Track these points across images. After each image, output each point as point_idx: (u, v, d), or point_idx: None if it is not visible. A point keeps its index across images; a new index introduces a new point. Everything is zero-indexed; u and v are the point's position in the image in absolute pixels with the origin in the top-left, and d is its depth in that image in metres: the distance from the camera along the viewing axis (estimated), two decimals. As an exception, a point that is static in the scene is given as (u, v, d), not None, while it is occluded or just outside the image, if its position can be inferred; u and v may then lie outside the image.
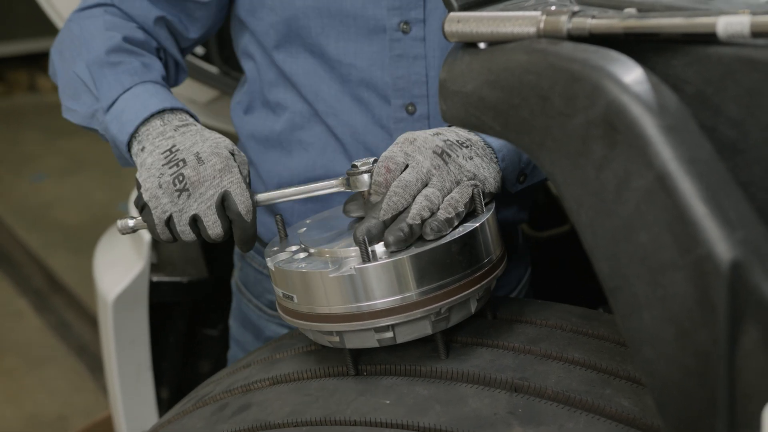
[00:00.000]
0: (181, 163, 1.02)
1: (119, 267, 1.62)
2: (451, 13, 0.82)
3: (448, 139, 1.00)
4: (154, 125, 1.09)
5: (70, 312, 3.64)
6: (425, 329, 0.92)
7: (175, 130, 1.08)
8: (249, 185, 1.05)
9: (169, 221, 1.03)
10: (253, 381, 1.00)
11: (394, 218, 0.94)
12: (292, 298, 0.94)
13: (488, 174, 1.01)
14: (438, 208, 0.94)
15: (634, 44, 0.70)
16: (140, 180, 1.04)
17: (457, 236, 0.92)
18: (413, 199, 0.95)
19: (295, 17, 1.19)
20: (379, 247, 0.92)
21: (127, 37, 1.19)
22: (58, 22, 2.28)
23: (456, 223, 0.94)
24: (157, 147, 1.06)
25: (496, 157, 1.04)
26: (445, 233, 0.92)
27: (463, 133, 1.02)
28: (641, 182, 0.63)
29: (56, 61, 1.23)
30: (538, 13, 0.75)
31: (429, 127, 1.19)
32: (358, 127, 1.21)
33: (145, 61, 1.19)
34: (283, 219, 1.03)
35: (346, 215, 1.01)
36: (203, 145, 1.04)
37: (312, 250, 0.95)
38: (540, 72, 0.71)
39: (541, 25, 0.74)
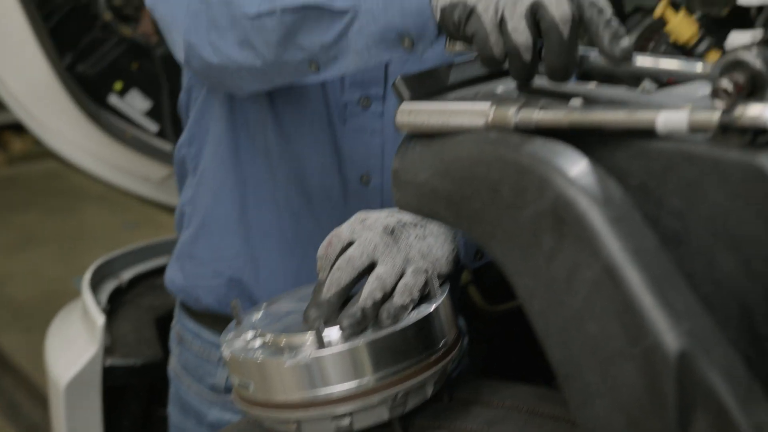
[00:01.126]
0: None
1: (71, 350, 1.60)
2: (403, 104, 0.84)
3: (401, 220, 1.01)
4: None
5: (20, 393, 3.55)
6: (382, 415, 0.92)
7: None
8: None
9: (501, 22, 0.83)
10: (209, 470, 0.99)
11: (342, 295, 0.94)
12: (248, 387, 0.93)
13: (441, 254, 1.01)
14: (391, 289, 0.94)
15: (579, 136, 0.73)
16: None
17: (412, 321, 0.92)
18: (358, 275, 0.95)
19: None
20: (335, 333, 0.93)
21: None
22: (8, 98, 2.28)
23: (435, 294, 0.95)
24: None
25: (453, 236, 1.05)
26: (400, 319, 0.92)
27: (415, 217, 1.03)
28: (590, 273, 0.64)
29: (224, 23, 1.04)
30: (487, 106, 0.77)
31: (382, 199, 1.21)
32: (314, 195, 1.23)
33: None
34: (238, 304, 1.03)
35: (306, 323, 0.96)
36: None
37: (267, 337, 0.95)
38: (490, 164, 0.73)
39: (490, 118, 0.77)
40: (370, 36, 0.92)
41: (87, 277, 1.73)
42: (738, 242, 0.63)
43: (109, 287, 1.81)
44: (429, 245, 1.00)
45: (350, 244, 0.97)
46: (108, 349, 1.60)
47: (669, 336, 0.60)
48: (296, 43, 0.98)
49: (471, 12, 0.83)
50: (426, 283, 0.97)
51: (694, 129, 0.65)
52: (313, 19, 0.95)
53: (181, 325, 1.39)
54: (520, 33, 0.82)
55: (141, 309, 1.79)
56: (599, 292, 0.64)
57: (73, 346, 1.62)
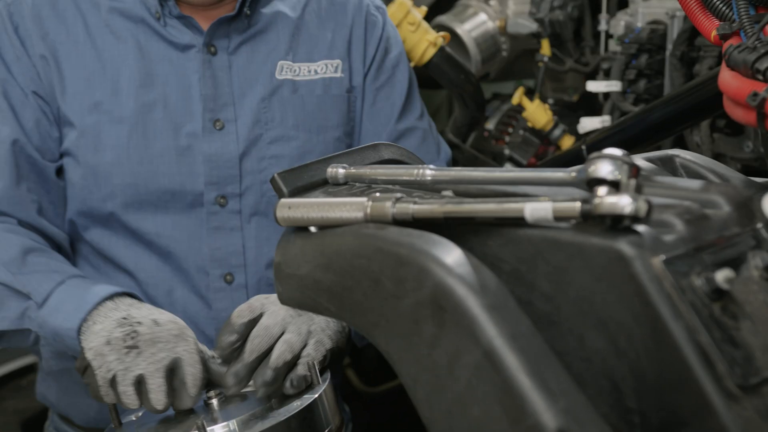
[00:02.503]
0: (135, 324, 0.99)
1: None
2: (282, 199, 0.86)
3: None
4: (105, 306, 1.05)
5: None
6: None
7: (129, 306, 1.05)
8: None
9: (113, 381, 0.98)
10: None
11: (260, 360, 1.00)
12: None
13: (338, 328, 1.07)
14: (298, 353, 1.00)
15: (453, 227, 0.76)
16: (84, 343, 1.00)
17: (296, 411, 0.93)
18: (275, 342, 1.00)
19: (111, 195, 1.21)
20: (220, 429, 0.92)
21: (31, 237, 1.16)
22: None
23: (317, 382, 0.99)
24: (109, 317, 1.02)
25: None
26: (302, 388, 0.98)
27: None
28: (470, 358, 0.67)
29: None
30: (364, 199, 0.80)
31: (247, 296, 1.22)
32: (178, 297, 1.22)
33: (58, 258, 1.16)
34: (116, 407, 1.01)
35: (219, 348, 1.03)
36: (160, 315, 1.02)
37: (150, 437, 0.94)
38: (369, 256, 0.76)
39: (368, 210, 0.79)
40: (49, 351, 1.18)
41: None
42: (604, 322, 0.67)
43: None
44: (327, 321, 1.05)
45: (260, 315, 1.03)
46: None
47: (547, 415, 0.63)
48: (9, 344, 1.18)
49: (87, 366, 1.00)
50: (312, 367, 0.99)
51: (559, 217, 0.70)
52: (12, 335, 1.15)
53: (54, 427, 1.34)
54: (129, 396, 0.98)
55: (6, 413, 1.71)
56: (480, 377, 0.66)
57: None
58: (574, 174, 0.73)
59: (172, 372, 0.99)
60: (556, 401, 0.64)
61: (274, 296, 1.06)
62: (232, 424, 0.93)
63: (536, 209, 0.71)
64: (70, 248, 1.27)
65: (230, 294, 1.24)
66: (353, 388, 1.91)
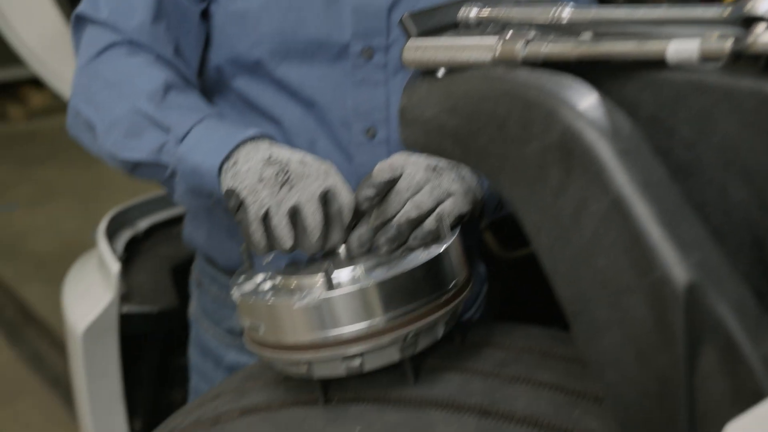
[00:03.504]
0: (284, 162, 0.99)
1: (88, 298, 1.60)
2: (410, 41, 0.83)
3: (439, 162, 1.04)
4: (246, 146, 1.04)
5: (43, 343, 3.60)
6: (393, 356, 0.92)
7: (270, 146, 1.04)
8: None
9: (265, 217, 0.98)
10: (222, 412, 1.00)
11: (383, 225, 0.99)
12: (258, 329, 0.93)
13: (475, 196, 1.05)
14: (427, 214, 0.99)
15: (588, 69, 0.71)
16: (236, 183, 1.00)
17: (422, 261, 0.92)
18: (403, 207, 0.99)
19: (258, 42, 1.20)
20: (345, 275, 0.92)
21: (172, 72, 1.16)
22: (24, 51, 2.27)
23: (446, 235, 0.97)
24: (252, 158, 1.02)
25: (481, 186, 1.07)
26: (428, 241, 0.97)
27: (451, 162, 1.05)
28: (598, 207, 0.63)
29: (85, 108, 1.17)
30: (494, 40, 0.76)
31: (389, 152, 1.21)
32: (321, 149, 1.22)
33: (197, 96, 1.16)
34: (250, 251, 1.03)
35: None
36: (303, 155, 1.02)
37: (277, 279, 0.95)
38: (496, 99, 0.72)
39: (497, 52, 0.75)
40: (184, 187, 1.11)
41: (102, 226, 1.74)
42: (750, 172, 0.62)
43: (125, 236, 1.81)
44: (467, 186, 1.02)
45: (400, 175, 1.01)
46: (124, 297, 1.61)
47: (677, 268, 0.59)
48: (142, 175, 1.17)
49: (240, 204, 0.99)
50: (441, 222, 0.97)
51: (706, 58, 0.63)
52: (147, 167, 1.13)
53: (199, 269, 1.40)
54: (282, 228, 0.96)
55: (157, 258, 1.80)
56: (607, 226, 0.63)
57: (90, 295, 1.63)
58: (727, 12, 0.66)
59: (325, 203, 0.98)
60: (689, 254, 0.59)
61: (416, 156, 1.04)
62: (359, 270, 0.93)
63: (680, 49, 0.64)
64: (210, 95, 1.28)
65: (371, 149, 1.22)
66: (490, 251, 1.90)
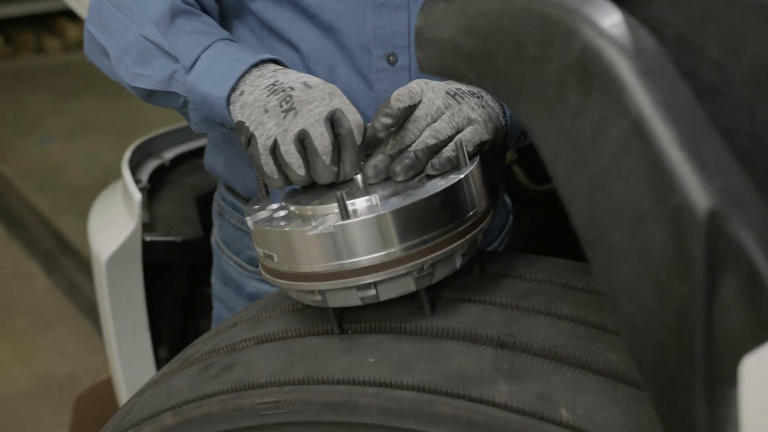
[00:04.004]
0: (288, 89, 0.98)
1: (111, 228, 1.60)
2: (428, -42, 0.79)
3: (459, 88, 1.01)
4: (252, 74, 1.04)
5: (79, 273, 3.65)
6: (409, 286, 0.90)
7: (275, 72, 1.03)
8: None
9: (274, 148, 0.97)
10: (238, 340, 0.99)
11: (400, 153, 0.96)
12: (272, 258, 0.92)
13: (497, 124, 1.01)
14: (446, 142, 0.95)
15: (613, -15, 0.67)
16: (242, 117, 0.99)
17: (439, 189, 0.89)
18: (421, 134, 0.96)
19: None
20: (361, 203, 0.90)
21: None
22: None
23: (464, 163, 0.94)
24: (258, 86, 1.01)
25: (504, 113, 1.03)
26: (446, 170, 0.93)
27: (472, 88, 1.01)
28: (616, 130, 0.60)
29: (98, 34, 1.15)
30: (514, -45, 0.72)
31: (410, 78, 1.17)
32: (340, 75, 1.19)
33: (207, 20, 1.14)
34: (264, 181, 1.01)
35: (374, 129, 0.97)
36: (309, 78, 1.00)
37: (292, 208, 0.93)
38: (514, 16, 0.68)
39: (518, -32, 0.71)
40: (198, 116, 1.11)
41: (126, 156, 1.73)
42: (781, 93, 0.58)
43: (151, 166, 1.80)
44: (489, 113, 0.99)
45: (419, 102, 0.98)
46: (148, 226, 1.61)
47: (699, 193, 0.55)
48: (158, 102, 1.16)
49: (250, 138, 0.98)
50: (461, 149, 0.94)
51: (738, -30, 0.59)
52: (160, 95, 1.13)
53: (221, 198, 1.39)
54: (291, 155, 0.95)
55: (183, 188, 1.79)
56: (626, 150, 0.59)
57: (114, 224, 1.63)
58: None
59: (333, 125, 0.96)
60: (711, 179, 0.56)
61: (435, 82, 1.00)
62: (374, 198, 0.90)
63: (711, -40, 0.60)
64: (229, 19, 1.24)
65: (392, 75, 1.19)
66: (519, 184, 1.86)
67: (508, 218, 1.42)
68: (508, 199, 1.43)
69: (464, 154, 0.94)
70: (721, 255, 0.55)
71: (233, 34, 1.25)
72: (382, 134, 0.96)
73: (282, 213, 0.94)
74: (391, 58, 1.17)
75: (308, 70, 1.19)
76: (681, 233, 0.56)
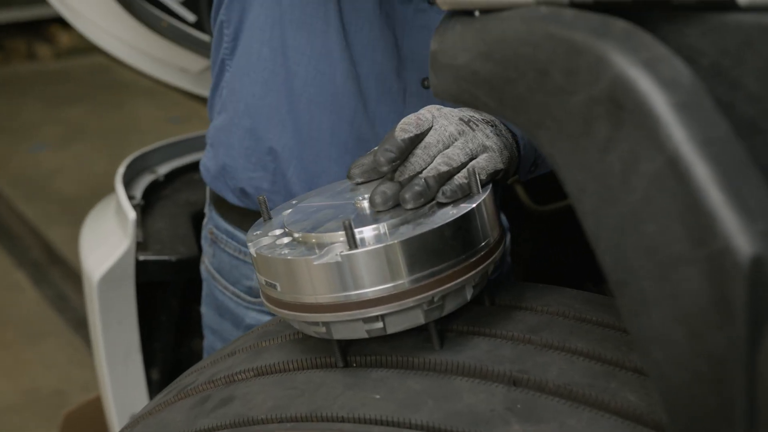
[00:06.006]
0: None
1: (104, 246, 1.56)
2: (443, -22, 0.75)
3: (473, 115, 0.97)
4: None
5: (68, 285, 3.60)
6: (418, 319, 0.86)
7: None
8: None
9: None
10: (236, 371, 0.95)
11: (410, 180, 0.91)
12: (275, 287, 0.88)
13: (510, 154, 0.98)
14: (458, 170, 0.91)
15: (643, 13, 0.64)
16: None
17: (451, 219, 0.85)
18: (433, 161, 0.92)
19: None
20: (368, 231, 0.86)
21: None
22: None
23: (477, 191, 0.90)
24: None
25: (517, 143, 1.00)
26: (457, 197, 0.89)
27: (486, 115, 0.97)
28: (650, 166, 0.56)
29: None
30: (537, -22, 0.68)
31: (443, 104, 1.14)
32: (372, 95, 1.15)
33: None
34: (266, 200, 0.97)
35: (350, 180, 0.95)
36: None
37: (296, 235, 0.89)
38: (538, 43, 0.64)
39: (541, -9, 0.67)
40: None
41: (120, 171, 1.69)
42: (826, 131, 0.54)
43: (144, 181, 1.76)
44: (504, 142, 0.95)
45: (428, 129, 0.93)
46: (142, 245, 1.57)
47: (741, 238, 0.52)
48: None
49: None
50: (474, 177, 0.90)
51: (781, -1, 0.55)
52: None
53: (213, 224, 1.34)
54: None
55: (177, 204, 1.75)
56: (660, 188, 0.56)
57: (106, 241, 1.58)
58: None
59: None
60: (754, 222, 0.52)
61: (448, 109, 0.96)
62: (382, 227, 0.86)
63: (752, -12, 0.57)
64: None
65: (426, 100, 1.15)
66: (521, 204, 1.83)
67: (506, 236, 1.38)
68: (504, 218, 1.39)
69: (477, 182, 0.90)
70: (765, 304, 0.51)
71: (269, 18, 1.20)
72: (385, 169, 0.91)
73: (285, 240, 0.90)
74: (425, 82, 1.14)
75: (342, 86, 1.15)
76: (721, 280, 0.53)
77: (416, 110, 1.13)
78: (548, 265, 1.82)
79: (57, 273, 3.73)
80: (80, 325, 3.32)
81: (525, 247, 1.76)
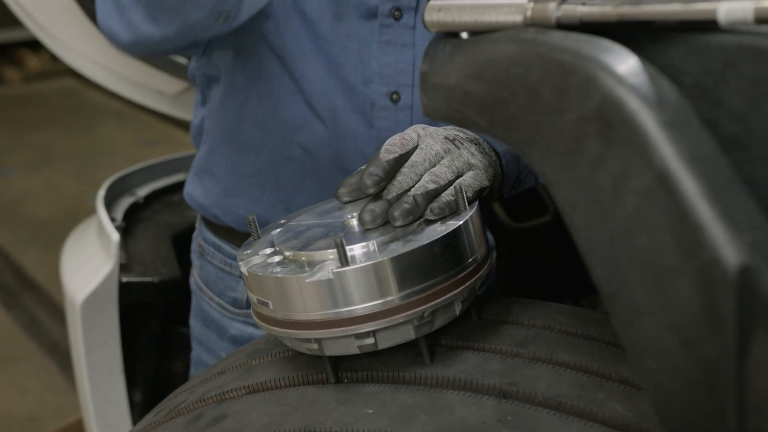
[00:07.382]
0: None
1: (87, 268, 1.56)
2: (432, 1, 0.77)
3: (458, 134, 0.99)
4: None
5: (40, 309, 3.57)
6: (408, 334, 0.88)
7: None
8: None
9: None
10: (228, 389, 0.95)
11: (398, 198, 0.92)
12: (267, 305, 0.89)
13: (495, 171, 1.00)
14: (445, 188, 0.92)
15: (628, 33, 0.66)
16: None
17: (439, 236, 0.87)
18: (420, 179, 0.93)
19: None
20: (358, 249, 0.88)
21: None
22: (21, 14, 2.21)
23: (464, 208, 0.91)
24: None
25: (500, 161, 1.02)
26: (445, 215, 0.90)
27: (470, 133, 0.99)
28: (640, 182, 0.58)
29: None
30: (525, 0, 0.71)
31: (412, 117, 1.16)
32: (339, 111, 1.17)
33: None
34: (255, 219, 0.98)
35: (338, 200, 0.97)
36: None
37: (287, 253, 0.91)
38: (528, 64, 0.67)
39: (528, 13, 0.70)
40: None
41: (101, 193, 1.69)
42: (807, 146, 0.57)
43: (124, 204, 1.77)
44: (489, 160, 0.97)
45: (414, 149, 0.95)
46: (124, 266, 1.57)
47: (729, 249, 0.54)
48: (195, 3, 0.99)
49: None
50: (460, 194, 0.92)
51: (761, 20, 0.58)
52: None
53: (201, 237, 1.36)
54: None
55: (158, 226, 1.75)
56: (650, 203, 0.58)
57: (89, 264, 1.58)
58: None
59: None
60: (741, 234, 0.54)
61: (433, 128, 0.98)
62: (372, 245, 0.88)
63: (733, 9, 0.59)
64: (240, 33, 1.20)
65: (394, 114, 1.17)
66: (499, 221, 1.86)
67: (492, 256, 1.41)
68: (490, 236, 1.41)
69: (464, 199, 0.92)
70: (754, 312, 0.54)
71: (240, 47, 1.21)
72: (371, 191, 0.92)
73: (276, 258, 0.91)
74: (394, 96, 1.16)
75: (309, 105, 1.17)
76: (710, 290, 0.55)
77: (384, 124, 1.16)
78: (526, 281, 1.85)
79: (29, 297, 3.70)
80: (53, 349, 3.29)
81: (502, 263, 1.78)
